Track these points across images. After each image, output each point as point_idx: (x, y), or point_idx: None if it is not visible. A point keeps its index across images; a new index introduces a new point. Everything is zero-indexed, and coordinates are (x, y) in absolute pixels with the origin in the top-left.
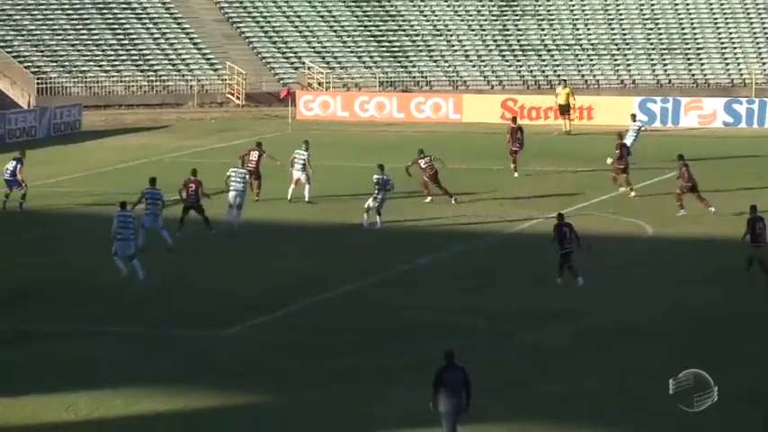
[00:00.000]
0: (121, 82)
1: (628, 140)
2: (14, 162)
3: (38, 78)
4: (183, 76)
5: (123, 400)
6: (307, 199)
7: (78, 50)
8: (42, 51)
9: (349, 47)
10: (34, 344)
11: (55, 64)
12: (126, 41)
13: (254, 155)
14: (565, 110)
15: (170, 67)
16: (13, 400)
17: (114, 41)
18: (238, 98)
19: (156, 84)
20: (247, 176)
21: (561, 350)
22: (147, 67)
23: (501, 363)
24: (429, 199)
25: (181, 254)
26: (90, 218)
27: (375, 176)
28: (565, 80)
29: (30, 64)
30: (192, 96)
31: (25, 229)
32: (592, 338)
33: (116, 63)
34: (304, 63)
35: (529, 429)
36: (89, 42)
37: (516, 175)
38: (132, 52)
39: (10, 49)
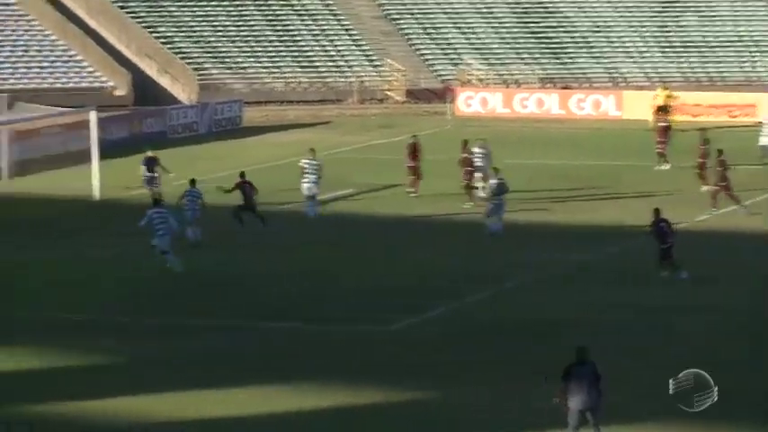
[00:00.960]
0: (282, 78)
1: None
2: (148, 161)
3: (199, 75)
4: (343, 72)
5: (289, 394)
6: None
7: (239, 47)
8: (204, 48)
9: (508, 43)
10: (195, 339)
11: (216, 60)
12: (286, 38)
13: (411, 150)
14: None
15: (330, 63)
16: (184, 394)
17: (275, 38)
18: (398, 95)
19: (316, 81)
20: (320, 167)
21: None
22: (307, 64)
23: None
24: None
25: (320, 249)
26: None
27: (491, 182)
28: (664, 81)
29: (191, 61)
30: (351, 93)
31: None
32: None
33: (276, 60)
34: (463, 59)
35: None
36: (250, 39)
37: (664, 167)
38: (293, 49)
39: (171, 46)
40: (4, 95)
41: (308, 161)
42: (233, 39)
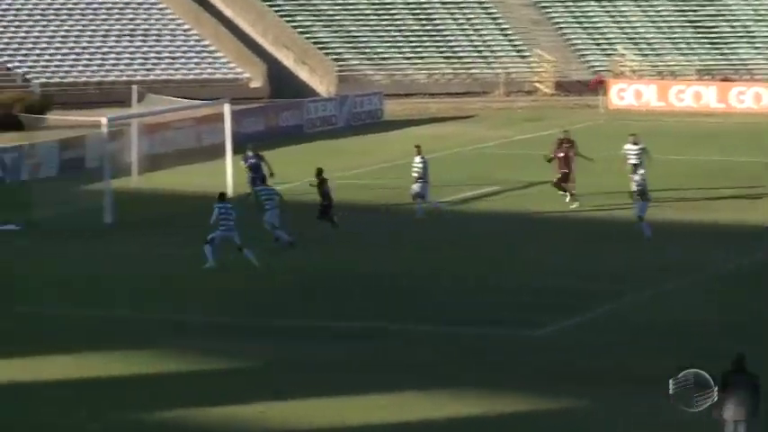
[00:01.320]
0: (424, 70)
1: None
2: (255, 159)
3: (338, 66)
4: (489, 63)
5: (430, 403)
6: None
7: (380, 36)
8: (343, 38)
9: (664, 32)
10: (334, 342)
11: (356, 51)
12: (430, 27)
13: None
14: None
15: (475, 54)
16: (320, 401)
17: (418, 27)
18: (547, 86)
19: (460, 72)
20: (426, 166)
21: None
22: (451, 54)
23: None
24: None
25: (462, 248)
26: (385, 210)
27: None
28: None
29: (330, 51)
30: (498, 85)
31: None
32: None
33: (419, 50)
34: (616, 50)
35: None
36: (391, 28)
37: None
38: (436, 39)
39: (309, 36)
40: (134, 87)
41: (421, 160)
42: (374, 28)
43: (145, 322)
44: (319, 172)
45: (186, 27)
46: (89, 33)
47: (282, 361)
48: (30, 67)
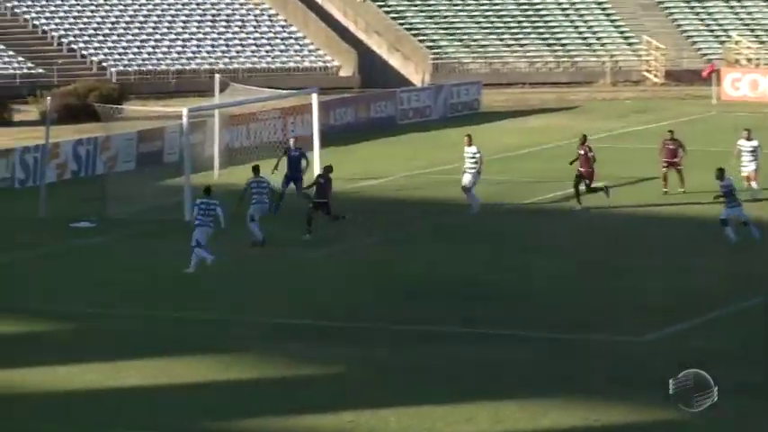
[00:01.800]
0: (525, 58)
1: None
2: (297, 152)
3: (433, 54)
4: (595, 51)
5: (528, 413)
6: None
7: (478, 23)
8: (439, 24)
9: None
10: (433, 346)
11: (452, 38)
12: (531, 13)
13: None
14: None
15: (580, 41)
16: (412, 409)
17: (519, 12)
18: (656, 76)
19: (563, 60)
20: (478, 158)
21: None
22: (554, 42)
23: None
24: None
25: (596, 250)
26: (486, 209)
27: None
28: None
29: (425, 38)
30: (604, 74)
31: (420, 219)
32: None
33: (520, 37)
34: (731, 37)
35: None
36: (490, 13)
37: None
38: (538, 25)
39: (403, 22)
40: (216, 76)
41: (472, 151)
42: (472, 13)
43: (230, 326)
44: (328, 170)
45: (272, 12)
46: (168, 18)
47: (372, 367)
48: (106, 54)
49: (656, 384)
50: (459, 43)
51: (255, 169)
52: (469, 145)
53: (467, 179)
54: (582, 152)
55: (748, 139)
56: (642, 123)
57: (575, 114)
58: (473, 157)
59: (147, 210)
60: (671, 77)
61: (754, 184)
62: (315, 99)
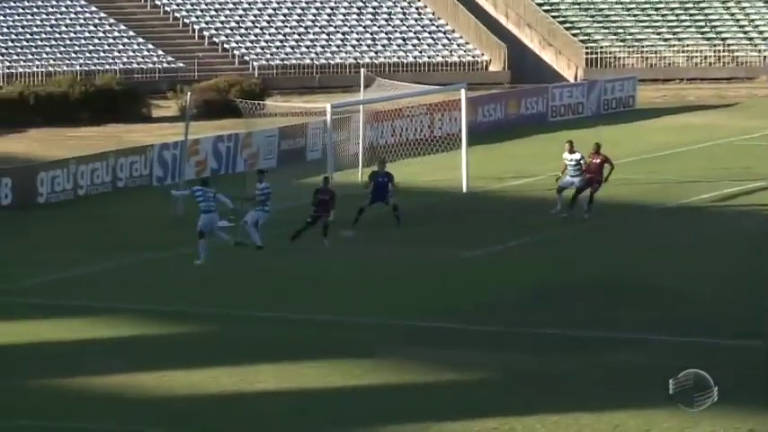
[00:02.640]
0: (683, 52)
1: None
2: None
3: (587, 48)
4: (756, 45)
5: (679, 421)
6: None
7: (634, 15)
8: (593, 17)
9: None
10: (577, 351)
11: (607, 31)
12: (690, 5)
13: None
14: None
15: (741, 35)
16: (558, 417)
17: (677, 5)
18: None
19: (723, 55)
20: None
21: None
22: (713, 35)
23: None
24: None
25: (722, 253)
26: (647, 208)
27: None
28: None
29: (578, 31)
30: (765, 69)
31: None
32: None
33: (678, 31)
34: None
35: None
36: (647, 6)
37: None
38: (697, 18)
39: (556, 15)
40: (361, 71)
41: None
42: (627, 6)
43: (366, 329)
44: (326, 181)
45: (420, 5)
46: (313, 11)
47: (517, 373)
48: (248, 48)
49: None
50: (615, 37)
51: (204, 181)
52: (572, 152)
53: (570, 182)
54: (597, 160)
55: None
56: None
57: (735, 111)
58: (577, 165)
59: (289, 209)
60: None
61: None
62: (463, 95)
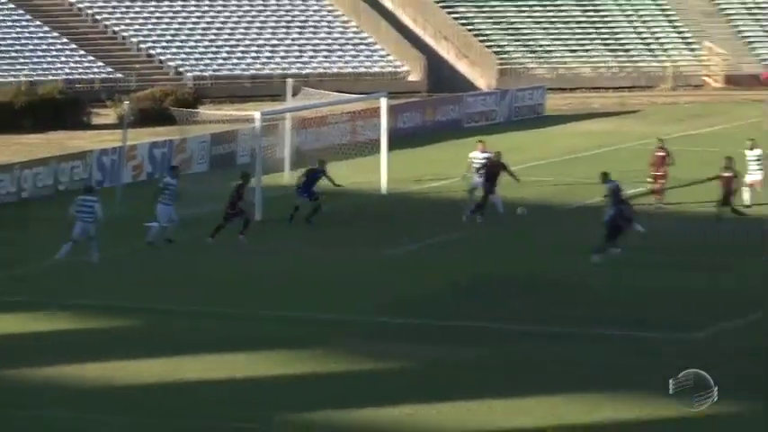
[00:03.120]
0: (589, 63)
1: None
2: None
3: (499, 59)
4: (657, 56)
5: (582, 407)
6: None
7: (544, 28)
8: (505, 30)
9: None
10: (498, 343)
11: (518, 44)
12: (596, 19)
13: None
14: None
15: (642, 47)
16: (469, 403)
17: (584, 19)
18: (716, 81)
19: (626, 65)
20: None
21: None
22: (617, 47)
23: None
24: None
25: (649, 250)
26: (554, 208)
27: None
28: None
29: (492, 44)
30: (665, 79)
31: (485, 221)
32: None
33: (584, 43)
34: None
35: None
36: (556, 20)
37: None
38: (602, 31)
39: (471, 27)
40: (288, 81)
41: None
42: (537, 19)
43: (294, 323)
44: (244, 176)
45: (344, 19)
46: (244, 25)
47: (432, 362)
48: (182, 60)
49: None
50: (525, 49)
51: (88, 189)
52: (483, 152)
53: (478, 183)
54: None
55: (752, 148)
56: (700, 127)
57: (636, 118)
58: (484, 165)
59: (218, 210)
60: (730, 82)
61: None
62: (384, 103)
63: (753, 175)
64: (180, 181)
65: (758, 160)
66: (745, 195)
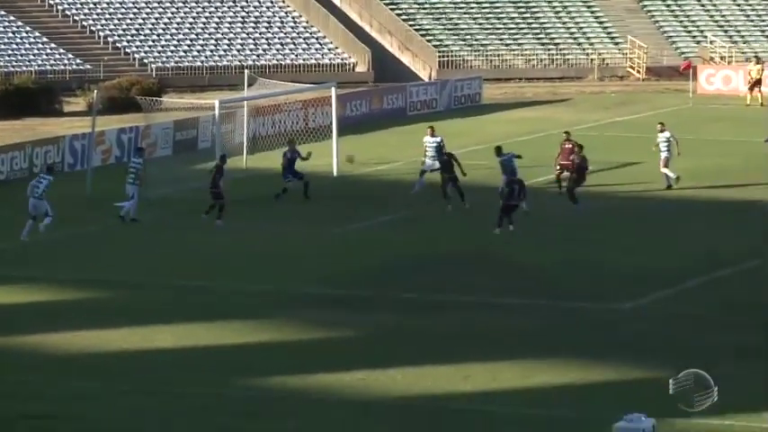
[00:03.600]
0: (522, 55)
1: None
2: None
3: (439, 52)
4: (584, 50)
5: (519, 372)
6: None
7: (480, 24)
8: (444, 25)
9: (752, 20)
10: (435, 313)
11: (457, 38)
12: (528, 15)
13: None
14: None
15: (571, 41)
16: (416, 369)
17: (516, 15)
18: (639, 72)
19: (556, 57)
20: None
21: None
22: (547, 41)
23: None
24: None
25: (581, 228)
26: (486, 190)
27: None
28: (757, 57)
29: (432, 38)
30: (592, 70)
31: (429, 201)
32: None
33: (517, 37)
34: (706, 37)
35: None
36: (491, 16)
37: None
38: (534, 26)
39: (412, 23)
40: (245, 72)
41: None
42: (474, 16)
43: (252, 295)
44: (222, 159)
45: (295, 14)
46: (203, 20)
47: (381, 331)
48: (147, 52)
49: (635, 347)
50: (463, 42)
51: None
52: (433, 135)
53: (430, 165)
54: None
55: (661, 131)
56: (625, 114)
57: (566, 106)
58: (438, 147)
59: (181, 191)
60: (652, 73)
61: (668, 171)
62: (333, 92)
63: (662, 155)
64: (145, 162)
65: (666, 142)
66: (667, 171)
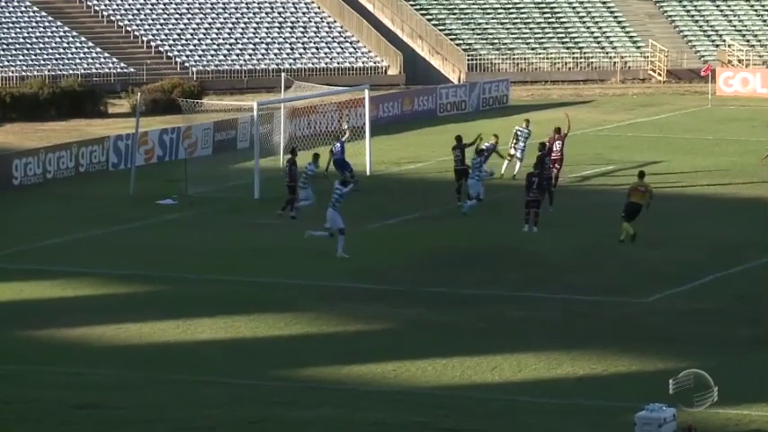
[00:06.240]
0: (547, 59)
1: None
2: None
3: (468, 55)
4: (607, 53)
5: (545, 363)
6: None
7: (507, 29)
8: (473, 30)
9: None
10: (470, 307)
11: (485, 42)
12: (553, 20)
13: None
14: None
15: (594, 44)
16: (445, 360)
17: (542, 20)
18: (660, 74)
19: (580, 61)
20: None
21: None
22: (572, 45)
23: None
24: None
25: (603, 223)
26: (521, 187)
27: None
28: None
29: (461, 42)
30: (614, 73)
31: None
32: None
33: (543, 41)
34: (724, 40)
35: None
36: (518, 21)
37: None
38: (559, 30)
39: (443, 28)
40: (282, 75)
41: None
42: (502, 20)
43: (289, 288)
44: (293, 152)
45: (330, 20)
46: (242, 25)
47: (412, 324)
48: (188, 55)
49: (657, 339)
50: (491, 46)
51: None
52: (527, 127)
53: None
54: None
55: (526, 127)
56: (647, 116)
57: (590, 107)
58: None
59: (221, 189)
60: (672, 76)
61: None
62: (366, 94)
63: (517, 149)
64: (317, 168)
65: (526, 138)
66: (504, 165)
